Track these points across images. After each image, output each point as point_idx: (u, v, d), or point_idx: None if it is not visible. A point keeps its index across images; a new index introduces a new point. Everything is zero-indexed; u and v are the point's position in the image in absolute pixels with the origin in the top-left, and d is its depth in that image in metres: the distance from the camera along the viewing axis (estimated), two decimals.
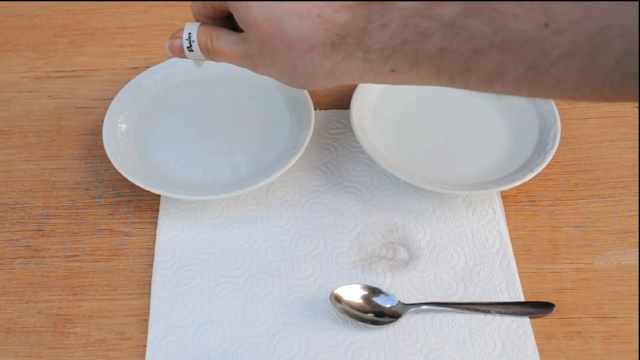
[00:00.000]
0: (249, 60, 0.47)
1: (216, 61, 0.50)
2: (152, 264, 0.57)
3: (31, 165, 0.66)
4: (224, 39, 0.48)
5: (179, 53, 0.51)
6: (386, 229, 0.59)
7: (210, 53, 0.49)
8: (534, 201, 0.61)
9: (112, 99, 0.66)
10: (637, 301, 0.54)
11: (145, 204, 0.62)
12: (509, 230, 0.59)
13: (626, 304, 0.54)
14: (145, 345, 0.52)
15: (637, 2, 0.32)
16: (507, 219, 0.60)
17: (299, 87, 0.47)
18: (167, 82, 0.69)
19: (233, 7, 0.45)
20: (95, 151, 0.66)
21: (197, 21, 0.50)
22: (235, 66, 0.70)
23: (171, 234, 0.59)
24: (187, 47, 0.50)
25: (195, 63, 0.53)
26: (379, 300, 0.53)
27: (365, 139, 0.61)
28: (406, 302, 0.54)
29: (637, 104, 0.69)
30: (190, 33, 0.49)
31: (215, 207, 0.61)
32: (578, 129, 0.67)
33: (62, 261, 0.58)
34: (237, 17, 0.45)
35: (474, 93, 0.42)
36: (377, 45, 0.41)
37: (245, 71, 0.70)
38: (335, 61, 0.43)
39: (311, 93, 0.66)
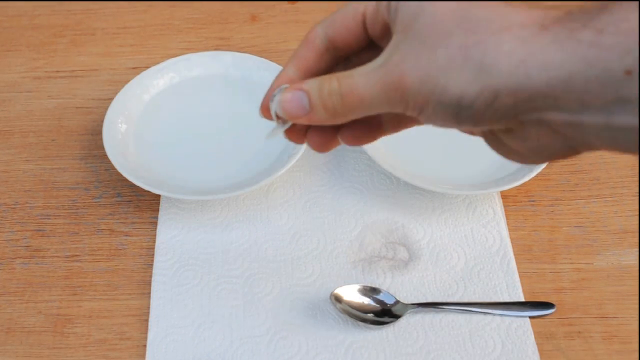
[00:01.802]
0: (391, 75, 0.31)
1: (337, 120, 0.33)
2: (152, 264, 0.57)
3: (31, 165, 0.66)
4: (356, 72, 0.32)
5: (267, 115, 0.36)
6: (386, 229, 0.59)
7: (336, 102, 0.32)
8: (534, 201, 0.61)
9: (112, 99, 0.66)
10: (637, 301, 0.54)
11: (145, 204, 0.62)
12: (509, 230, 0.59)
13: (626, 304, 0.54)
14: (145, 345, 0.52)
15: None
16: (507, 219, 0.60)
17: (455, 108, 0.30)
18: (167, 82, 0.69)
19: None
20: (95, 151, 0.66)
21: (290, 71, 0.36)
22: (234, 66, 0.71)
23: (171, 234, 0.59)
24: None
25: (273, 132, 0.36)
26: (379, 300, 0.53)
27: None
28: (406, 302, 0.54)
29: None
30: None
31: (215, 207, 0.61)
32: None
33: (62, 261, 0.58)
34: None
35: None
36: (625, 24, 0.26)
37: (245, 71, 0.71)
38: (535, 48, 0.27)
39: None
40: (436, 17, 0.30)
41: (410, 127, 0.37)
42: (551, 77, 0.27)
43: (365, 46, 0.36)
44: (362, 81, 0.32)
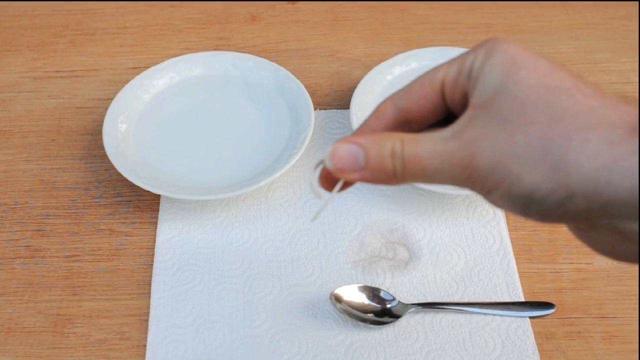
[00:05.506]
0: (461, 152, 0.29)
1: (392, 183, 0.31)
2: (152, 264, 0.57)
3: (31, 165, 0.66)
4: (423, 138, 0.30)
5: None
6: (386, 229, 0.59)
7: (396, 166, 0.30)
8: None
9: (112, 99, 0.66)
10: (637, 301, 0.54)
11: (145, 204, 0.62)
12: (509, 230, 0.59)
13: (626, 304, 0.54)
14: (145, 345, 0.52)
15: None
16: (507, 219, 0.59)
17: (524, 200, 0.28)
18: (167, 82, 0.69)
19: (488, 49, 0.30)
20: (95, 151, 0.66)
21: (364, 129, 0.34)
22: (234, 66, 0.71)
23: (171, 234, 0.59)
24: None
25: (320, 211, 0.35)
26: (379, 300, 0.53)
27: None
28: (406, 302, 0.54)
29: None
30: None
31: (215, 207, 0.61)
32: None
33: (62, 261, 0.58)
34: (487, 68, 0.30)
35: None
36: None
37: (245, 71, 0.71)
38: (622, 153, 0.26)
39: (311, 93, 0.66)
40: (519, 98, 0.28)
41: None
42: (634, 186, 0.25)
43: (440, 120, 0.33)
44: (429, 150, 0.29)
